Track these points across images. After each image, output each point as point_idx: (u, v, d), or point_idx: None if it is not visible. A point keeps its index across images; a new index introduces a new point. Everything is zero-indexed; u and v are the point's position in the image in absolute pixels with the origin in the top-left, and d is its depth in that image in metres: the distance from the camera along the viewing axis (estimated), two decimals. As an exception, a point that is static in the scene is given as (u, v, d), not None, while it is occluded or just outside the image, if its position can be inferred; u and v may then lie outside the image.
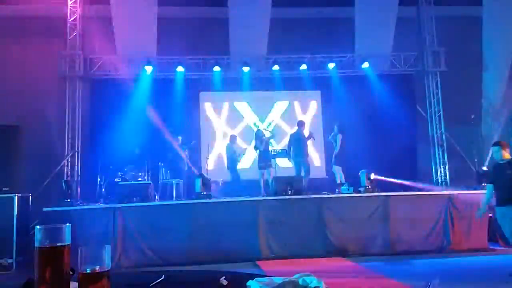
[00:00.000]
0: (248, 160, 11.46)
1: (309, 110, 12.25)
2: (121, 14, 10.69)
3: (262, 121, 11.98)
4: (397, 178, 9.81)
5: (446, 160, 11.74)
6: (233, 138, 10.83)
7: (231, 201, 8.10)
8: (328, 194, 8.59)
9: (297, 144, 10.03)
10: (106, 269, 1.21)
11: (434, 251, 7.80)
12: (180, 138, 10.42)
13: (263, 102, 12.12)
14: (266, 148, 10.23)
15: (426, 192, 8.95)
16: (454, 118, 11.47)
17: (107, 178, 9.52)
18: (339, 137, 9.99)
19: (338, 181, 9.88)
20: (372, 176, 8.57)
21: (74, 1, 11.12)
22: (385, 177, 9.07)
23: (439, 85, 12.00)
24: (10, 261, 7.24)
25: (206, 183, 8.45)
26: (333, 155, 10.12)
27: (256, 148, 10.28)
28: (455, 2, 12.01)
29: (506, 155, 5.75)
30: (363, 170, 8.76)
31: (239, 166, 10.73)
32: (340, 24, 11.74)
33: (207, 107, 12.02)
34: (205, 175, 9.18)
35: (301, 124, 10.32)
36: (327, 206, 7.94)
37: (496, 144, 5.92)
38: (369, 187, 8.47)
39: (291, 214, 7.82)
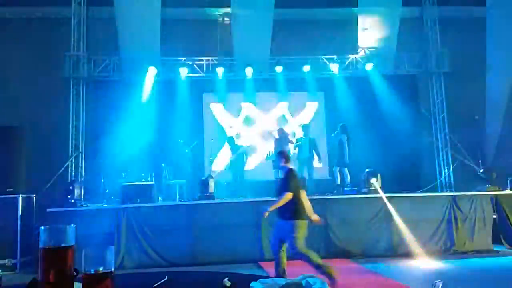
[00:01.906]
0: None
1: (312, 111, 12.23)
2: (125, 16, 10.71)
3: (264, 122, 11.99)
4: (401, 179, 9.81)
5: (450, 161, 11.70)
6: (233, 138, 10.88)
7: (234, 202, 8.11)
8: (331, 195, 8.58)
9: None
10: (110, 270, 1.21)
11: (438, 253, 7.78)
12: (181, 141, 10.41)
13: (266, 103, 12.11)
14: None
15: (429, 194, 8.93)
16: (458, 119, 11.43)
17: (111, 179, 9.54)
18: (345, 137, 9.97)
19: (339, 182, 9.86)
20: (375, 180, 8.52)
21: (78, 2, 11.16)
22: (388, 178, 9.04)
23: (443, 86, 11.97)
24: (14, 261, 7.26)
25: (209, 184, 8.47)
26: (342, 157, 10.01)
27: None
28: (459, 3, 11.98)
29: (284, 164, 5.37)
30: (368, 170, 8.74)
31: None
32: (343, 25, 11.73)
33: (211, 109, 12.02)
34: (209, 176, 9.19)
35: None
36: (330, 207, 7.93)
37: (277, 154, 5.62)
38: (373, 188, 8.45)
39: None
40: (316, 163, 10.27)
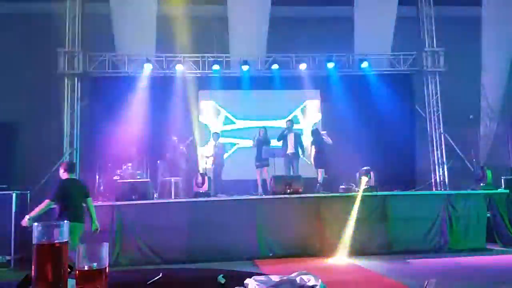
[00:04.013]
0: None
1: (308, 110, 12.23)
2: (120, 12, 10.68)
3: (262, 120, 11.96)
4: (396, 177, 9.84)
5: (444, 160, 11.75)
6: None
7: (229, 200, 8.11)
8: (327, 193, 8.60)
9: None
10: (104, 267, 1.21)
11: (432, 251, 7.82)
12: (175, 138, 10.37)
13: (262, 101, 12.09)
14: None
15: (424, 192, 8.96)
16: (453, 118, 11.47)
17: (106, 176, 9.51)
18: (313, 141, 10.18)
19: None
20: (366, 178, 8.53)
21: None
22: (383, 176, 9.07)
23: (438, 85, 12.00)
24: (8, 258, 7.24)
25: (205, 182, 8.47)
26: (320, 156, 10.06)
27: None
28: (455, 2, 12.00)
29: (62, 173, 5.56)
30: (365, 168, 8.75)
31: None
32: (340, 24, 11.74)
33: (206, 106, 11.99)
34: (204, 173, 9.19)
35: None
36: (325, 205, 7.94)
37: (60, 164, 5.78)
38: (368, 186, 8.47)
39: (290, 213, 7.83)
40: (307, 158, 10.34)
